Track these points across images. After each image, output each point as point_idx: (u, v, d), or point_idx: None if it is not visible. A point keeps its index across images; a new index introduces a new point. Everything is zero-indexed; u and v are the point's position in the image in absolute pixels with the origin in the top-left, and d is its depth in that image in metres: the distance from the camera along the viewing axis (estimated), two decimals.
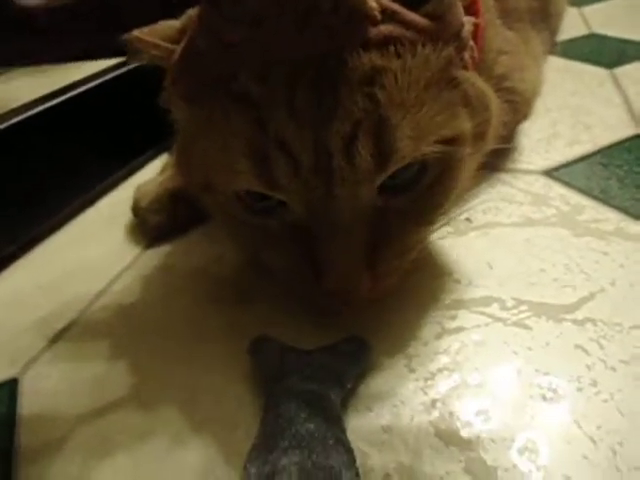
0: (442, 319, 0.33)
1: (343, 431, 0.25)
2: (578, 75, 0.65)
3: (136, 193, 0.46)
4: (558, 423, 0.26)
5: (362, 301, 0.29)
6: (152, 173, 0.51)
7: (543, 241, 0.38)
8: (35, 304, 0.40)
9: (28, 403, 0.32)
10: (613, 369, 0.28)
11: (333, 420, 0.25)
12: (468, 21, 0.30)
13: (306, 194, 0.27)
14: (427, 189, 0.29)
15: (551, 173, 0.46)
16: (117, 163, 0.56)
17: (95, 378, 0.33)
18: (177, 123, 0.33)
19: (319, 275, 0.28)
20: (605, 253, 0.36)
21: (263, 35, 0.26)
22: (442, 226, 0.33)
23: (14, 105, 0.48)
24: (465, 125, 0.29)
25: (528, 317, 0.32)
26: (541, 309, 0.33)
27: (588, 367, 0.29)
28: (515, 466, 0.25)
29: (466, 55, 0.30)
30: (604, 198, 0.42)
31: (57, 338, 0.37)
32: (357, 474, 0.23)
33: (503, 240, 0.39)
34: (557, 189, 0.44)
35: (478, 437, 0.26)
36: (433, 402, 0.28)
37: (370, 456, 0.26)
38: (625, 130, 0.51)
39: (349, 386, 0.28)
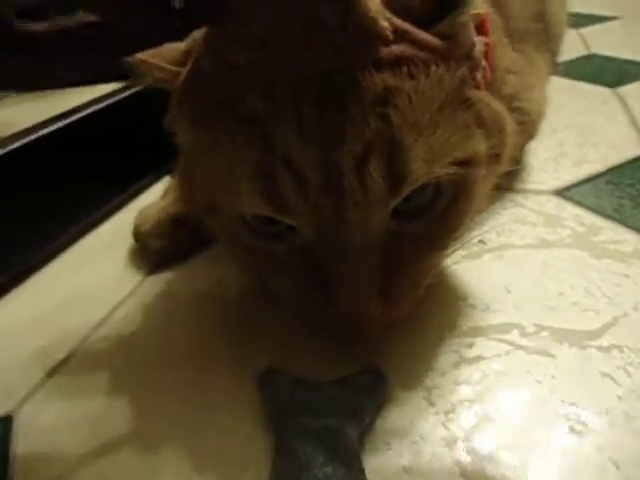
0: (460, 347, 0.31)
1: (362, 473, 0.23)
2: (582, 95, 0.64)
3: (137, 218, 0.45)
4: (591, 460, 0.25)
5: (374, 326, 0.28)
6: (154, 197, 0.50)
7: (560, 263, 0.37)
8: (31, 335, 0.38)
9: (24, 441, 0.30)
10: None
11: (352, 461, 0.23)
12: (479, 41, 0.30)
13: (315, 216, 0.26)
14: (441, 213, 0.28)
15: (562, 193, 0.45)
16: (118, 187, 0.55)
17: (94, 415, 0.31)
18: (181, 146, 0.32)
19: (329, 298, 0.27)
20: (626, 276, 0.35)
21: (268, 55, 0.25)
22: (456, 250, 0.32)
23: (13, 130, 0.47)
24: (480, 146, 0.28)
25: (550, 344, 0.31)
26: (563, 335, 0.31)
27: (619, 398, 0.27)
28: None
29: (478, 75, 0.29)
30: (619, 218, 0.41)
31: (54, 371, 0.35)
32: None
33: (518, 262, 0.38)
34: (570, 209, 0.43)
35: (504, 476, 0.24)
36: (455, 438, 0.26)
37: None
38: (633, 149, 0.51)
39: (367, 420, 0.26)
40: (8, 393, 0.33)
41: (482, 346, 0.31)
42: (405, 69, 0.25)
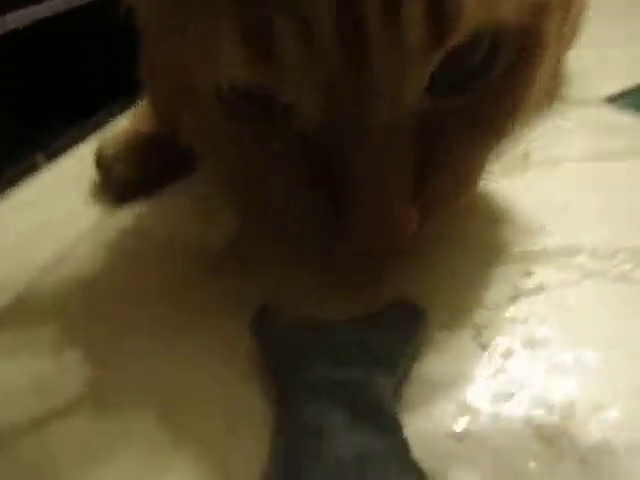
0: (514, 276, 0.24)
1: (405, 443, 0.16)
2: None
3: (101, 140, 0.37)
4: None
5: (406, 244, 0.20)
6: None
7: (621, 176, 0.30)
8: None
9: None
10: None
11: (388, 426, 0.16)
12: None
13: (323, 80, 0.18)
14: (496, 83, 0.20)
15: (613, 101, 0.38)
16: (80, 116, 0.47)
17: (39, 375, 0.24)
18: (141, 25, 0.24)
19: (345, 212, 0.19)
20: None
21: None
22: (497, 160, 0.24)
23: None
24: None
25: (632, 269, 0.24)
26: None
27: None
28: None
29: None
30: None
31: None
32: None
33: (572, 177, 0.30)
34: (622, 118, 0.36)
35: (603, 437, 0.18)
36: (518, 388, 0.20)
37: None
38: None
39: (400, 371, 0.19)
40: None
41: (542, 274, 0.24)
42: None
